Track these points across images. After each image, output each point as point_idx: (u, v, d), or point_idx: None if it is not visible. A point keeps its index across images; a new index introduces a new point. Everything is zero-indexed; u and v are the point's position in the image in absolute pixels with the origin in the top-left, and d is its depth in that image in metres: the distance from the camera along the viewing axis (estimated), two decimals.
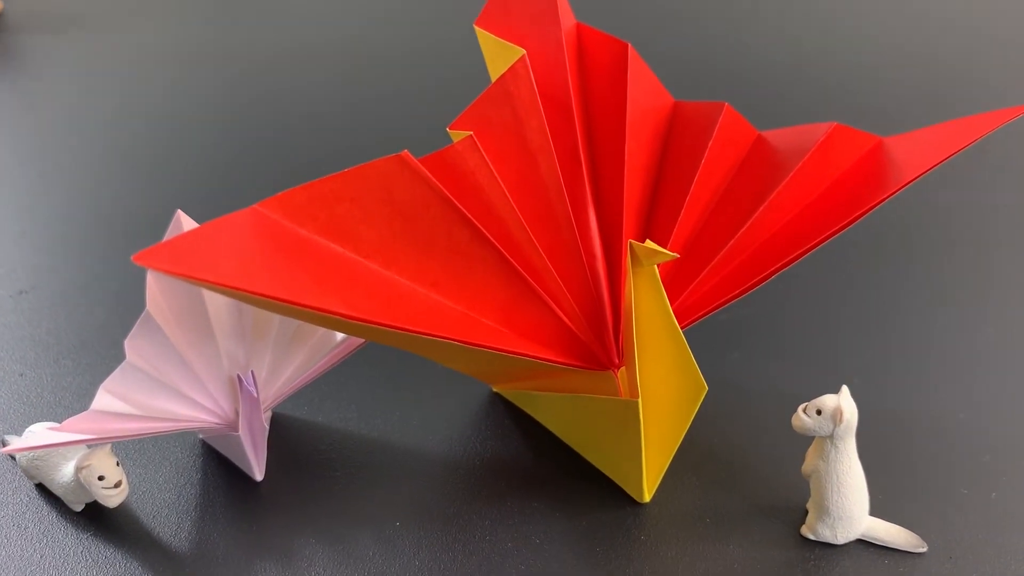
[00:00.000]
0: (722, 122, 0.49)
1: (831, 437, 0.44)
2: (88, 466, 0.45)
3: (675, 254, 0.41)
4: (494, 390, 0.56)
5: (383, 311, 0.40)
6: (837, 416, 0.43)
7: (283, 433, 0.53)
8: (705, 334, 0.45)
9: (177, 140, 0.82)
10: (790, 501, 0.48)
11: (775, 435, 0.52)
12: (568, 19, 0.52)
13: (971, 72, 0.93)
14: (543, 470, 0.51)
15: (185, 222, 0.47)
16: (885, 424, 0.52)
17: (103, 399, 0.46)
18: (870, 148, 0.50)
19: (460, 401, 0.55)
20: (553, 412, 0.52)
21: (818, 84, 0.90)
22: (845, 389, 0.44)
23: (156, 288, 0.48)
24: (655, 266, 0.43)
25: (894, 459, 0.50)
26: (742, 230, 0.48)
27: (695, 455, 0.51)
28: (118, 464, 0.46)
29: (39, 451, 0.48)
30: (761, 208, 0.48)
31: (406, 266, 0.44)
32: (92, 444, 0.46)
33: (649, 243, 0.41)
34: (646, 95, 0.51)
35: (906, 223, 0.71)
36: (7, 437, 0.52)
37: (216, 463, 0.51)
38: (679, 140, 0.51)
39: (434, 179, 0.42)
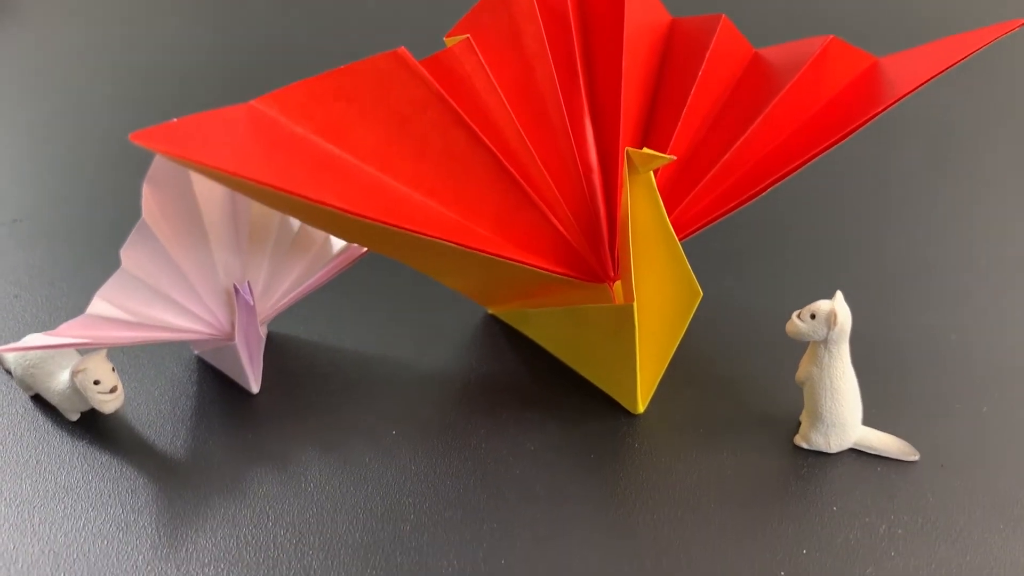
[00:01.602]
0: (719, 35, 0.49)
1: (825, 342, 0.44)
2: (84, 370, 0.45)
3: (672, 156, 0.41)
4: (489, 312, 0.56)
5: (380, 210, 0.40)
6: (831, 319, 0.43)
7: (279, 351, 0.53)
8: (699, 262, 0.45)
9: (172, 75, 0.81)
10: (784, 413, 0.49)
11: (768, 351, 0.52)
12: None
13: None
14: (537, 385, 0.51)
15: None
16: (878, 342, 0.52)
17: (98, 305, 0.46)
18: (866, 68, 0.50)
19: (456, 323, 0.55)
20: (548, 327, 0.52)
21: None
22: (839, 294, 0.44)
23: (152, 199, 0.48)
24: (651, 174, 0.43)
25: (887, 376, 0.51)
26: (738, 143, 0.48)
27: (689, 370, 0.51)
28: (114, 370, 0.46)
29: (35, 359, 0.48)
30: (757, 121, 0.48)
31: (402, 170, 0.44)
32: (87, 349, 0.46)
33: (646, 149, 0.41)
34: (644, 11, 0.50)
35: (902, 141, 0.71)
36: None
37: (212, 378, 0.51)
38: (676, 56, 0.51)
39: (431, 78, 0.42)
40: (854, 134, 0.46)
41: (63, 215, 0.64)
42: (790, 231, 0.62)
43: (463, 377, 0.51)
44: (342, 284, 0.56)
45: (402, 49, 0.42)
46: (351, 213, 0.39)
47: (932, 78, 0.46)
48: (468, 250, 0.42)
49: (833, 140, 0.46)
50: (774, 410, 0.49)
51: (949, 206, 0.65)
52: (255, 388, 0.50)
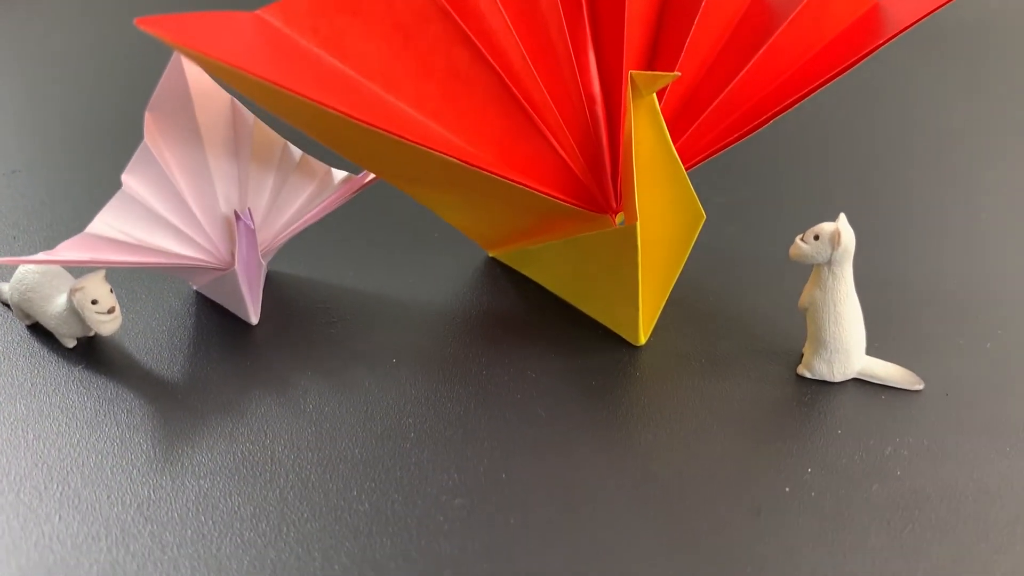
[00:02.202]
0: None
1: (828, 264, 0.44)
2: (82, 288, 0.45)
3: (676, 72, 0.41)
4: (491, 255, 0.56)
5: (384, 122, 0.40)
6: (835, 238, 0.43)
7: (279, 289, 0.53)
8: None
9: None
10: (786, 346, 0.48)
11: (770, 290, 0.52)
12: None
13: None
14: (539, 320, 0.51)
15: (186, 64, 0.47)
16: (881, 284, 0.52)
17: (97, 225, 0.46)
18: (867, 9, 0.51)
19: (457, 264, 0.55)
20: (549, 263, 0.52)
21: None
22: (843, 216, 0.44)
23: (154, 126, 0.48)
24: (655, 98, 0.43)
25: (890, 316, 0.50)
26: (741, 74, 0.48)
27: (691, 307, 0.51)
28: (111, 291, 0.46)
29: (32, 283, 0.47)
30: (760, 53, 0.48)
31: (406, 90, 0.44)
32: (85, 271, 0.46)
33: (649, 72, 0.41)
34: None
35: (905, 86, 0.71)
36: None
37: (211, 311, 0.51)
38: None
39: None
40: (854, 67, 0.47)
41: (60, 167, 0.64)
42: (791, 183, 0.63)
43: (464, 313, 0.51)
44: (343, 225, 0.56)
45: None
46: (357, 119, 0.39)
47: (931, 12, 0.46)
48: (472, 169, 0.42)
49: (835, 73, 0.47)
50: (776, 345, 0.49)
51: (952, 157, 0.66)
52: (254, 319, 0.50)
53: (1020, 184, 0.63)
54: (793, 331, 0.49)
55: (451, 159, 0.41)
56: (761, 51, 0.48)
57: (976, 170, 0.65)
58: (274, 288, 0.52)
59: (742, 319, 0.50)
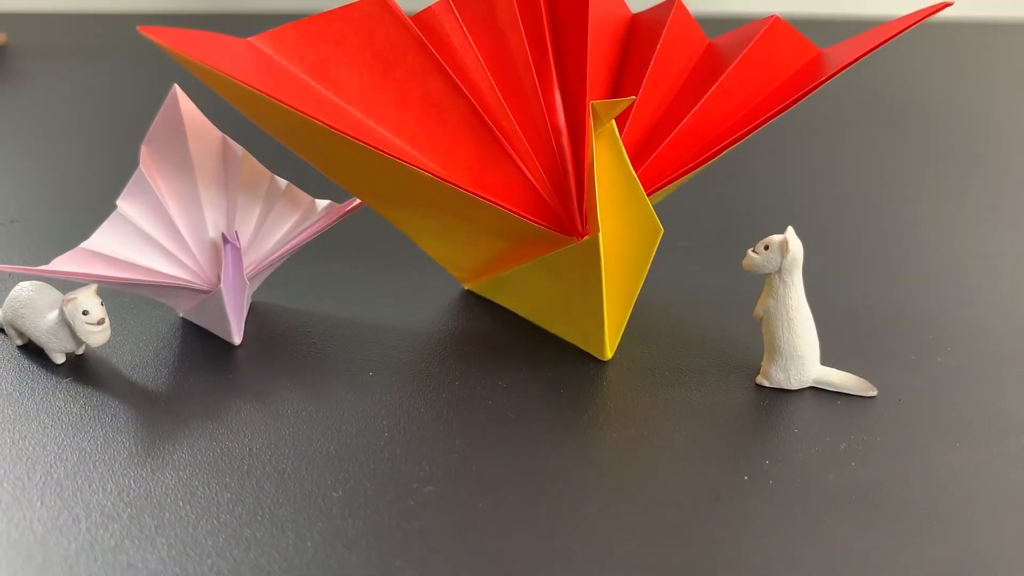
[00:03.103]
0: (673, 15, 0.54)
1: (779, 273, 0.47)
2: (74, 299, 0.47)
3: (631, 97, 0.45)
4: (466, 288, 0.58)
5: (364, 137, 0.44)
6: (784, 247, 0.46)
7: (261, 316, 0.55)
8: (664, 254, 0.50)
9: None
10: (746, 361, 0.51)
11: (731, 312, 0.55)
12: None
13: None
14: (510, 340, 0.53)
15: (182, 100, 0.51)
16: (835, 306, 0.55)
17: (92, 242, 0.49)
18: (810, 59, 0.55)
19: (433, 294, 0.57)
20: (520, 287, 0.54)
21: None
22: (790, 228, 0.47)
23: (149, 158, 0.51)
24: (614, 124, 0.47)
25: (847, 333, 0.53)
26: (695, 110, 0.52)
27: (654, 328, 0.54)
28: (102, 304, 0.48)
29: (25, 300, 0.49)
30: (712, 90, 0.52)
31: (384, 116, 0.48)
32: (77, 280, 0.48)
33: (607, 100, 0.45)
34: (607, 3, 0.56)
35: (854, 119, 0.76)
36: None
37: (195, 334, 0.53)
38: (637, 40, 0.56)
39: (413, 24, 0.47)
40: (798, 104, 0.51)
41: (55, 218, 0.68)
42: (750, 228, 0.66)
43: (439, 334, 0.54)
44: (324, 258, 0.59)
45: None
46: (338, 129, 0.42)
47: (864, 55, 0.51)
48: (447, 186, 0.45)
49: (779, 108, 0.51)
50: (736, 360, 0.51)
51: (899, 194, 0.70)
52: (237, 339, 0.52)
53: (962, 216, 0.67)
54: (752, 348, 0.51)
55: (427, 174, 0.45)
56: (712, 89, 0.53)
57: (921, 203, 0.69)
58: (256, 315, 0.55)
59: (704, 338, 0.53)
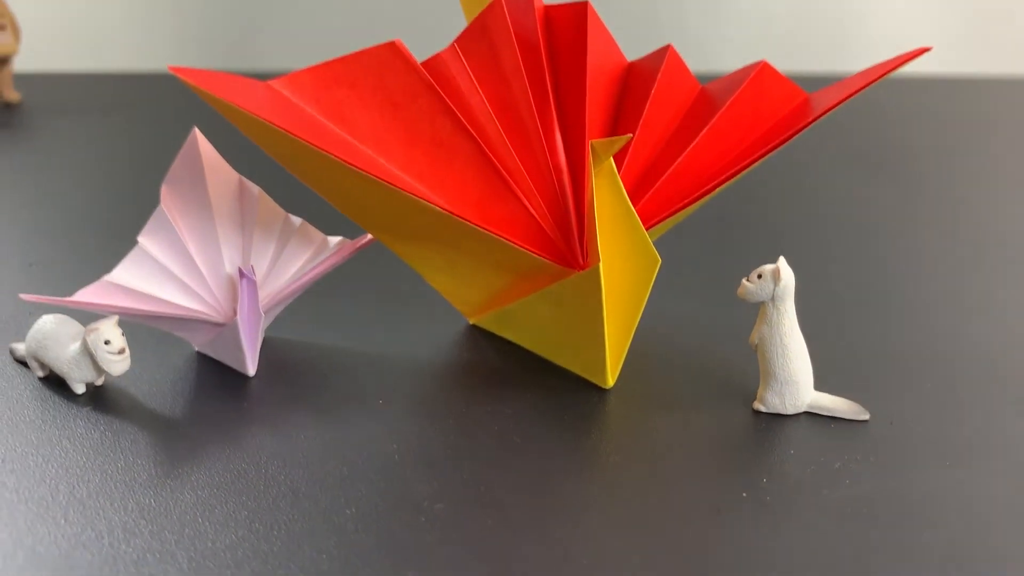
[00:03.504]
0: (667, 62, 0.57)
1: (772, 300, 0.49)
2: (96, 329, 0.49)
3: (628, 135, 0.48)
4: (471, 322, 0.60)
5: (377, 173, 0.46)
6: (776, 275, 0.48)
7: (275, 349, 0.57)
8: (662, 287, 0.53)
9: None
10: (741, 387, 0.53)
11: (726, 343, 0.57)
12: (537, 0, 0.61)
13: None
14: (515, 371, 0.55)
15: (201, 142, 0.54)
16: (830, 341, 0.57)
17: (114, 275, 0.51)
18: (798, 103, 0.58)
19: (440, 329, 0.59)
20: (524, 319, 0.56)
21: None
22: (782, 257, 0.50)
23: (169, 197, 0.54)
24: (612, 161, 0.49)
25: (839, 364, 0.55)
26: (688, 150, 0.55)
27: (654, 359, 0.56)
28: (123, 334, 0.50)
29: (48, 331, 0.51)
30: (704, 132, 0.55)
31: (395, 154, 0.50)
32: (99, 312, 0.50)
33: (606, 139, 0.48)
34: (604, 50, 0.59)
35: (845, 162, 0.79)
36: (13, 344, 0.55)
37: (211, 366, 0.55)
38: (633, 86, 0.59)
39: (423, 69, 0.50)
40: (789, 146, 0.54)
41: (72, 261, 0.70)
42: (745, 267, 0.69)
43: (446, 365, 0.55)
44: (334, 292, 0.61)
45: (398, 40, 0.49)
46: (351, 164, 0.45)
47: (849, 97, 0.54)
48: (454, 219, 0.48)
49: (767, 150, 0.54)
50: (732, 387, 0.53)
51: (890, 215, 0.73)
52: (251, 370, 0.54)
53: (946, 254, 0.70)
54: (748, 376, 0.53)
55: (435, 207, 0.47)
56: (705, 131, 0.55)
57: (907, 242, 0.72)
58: (269, 349, 0.57)
59: (702, 367, 0.55)
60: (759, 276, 0.49)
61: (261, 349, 0.55)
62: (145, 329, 0.56)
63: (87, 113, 1.16)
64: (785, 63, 0.59)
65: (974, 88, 1.38)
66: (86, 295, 0.50)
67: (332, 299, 0.62)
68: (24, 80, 1.26)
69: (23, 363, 0.54)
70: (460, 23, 0.57)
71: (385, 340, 0.58)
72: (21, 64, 1.24)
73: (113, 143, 1.05)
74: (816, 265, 0.70)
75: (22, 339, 0.56)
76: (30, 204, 0.84)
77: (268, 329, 0.58)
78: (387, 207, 0.49)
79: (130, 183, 0.90)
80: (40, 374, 0.53)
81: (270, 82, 0.48)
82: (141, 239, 0.53)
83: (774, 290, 0.49)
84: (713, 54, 1.16)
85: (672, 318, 0.61)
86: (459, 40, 0.54)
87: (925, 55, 0.56)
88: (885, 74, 0.54)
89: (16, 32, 1.15)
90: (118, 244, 0.55)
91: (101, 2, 1.42)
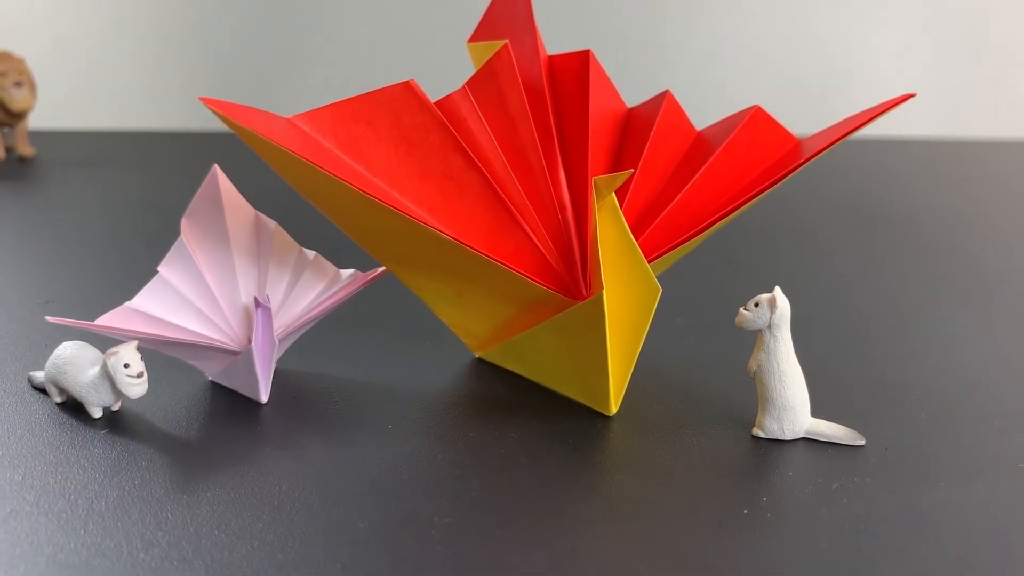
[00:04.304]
0: (665, 106, 0.60)
1: (769, 327, 0.51)
2: (116, 353, 0.51)
3: (630, 170, 0.51)
4: (477, 356, 0.62)
5: (389, 202, 0.49)
6: (772, 303, 0.50)
7: (286, 379, 0.58)
8: (660, 328, 0.55)
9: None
10: (741, 415, 0.54)
11: (725, 375, 0.58)
12: (542, 50, 0.64)
13: None
14: (520, 399, 0.56)
15: (221, 179, 0.56)
16: (828, 374, 0.59)
17: (135, 302, 0.53)
18: (790, 147, 0.61)
19: (447, 361, 0.61)
20: (529, 350, 0.58)
21: None
22: (777, 287, 0.52)
23: (189, 230, 0.56)
24: (614, 196, 0.52)
25: (836, 395, 0.56)
26: (686, 188, 0.58)
27: (656, 390, 0.57)
28: (141, 359, 0.51)
29: (68, 357, 0.53)
30: (701, 172, 0.58)
31: (408, 188, 0.53)
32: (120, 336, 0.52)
33: (608, 176, 0.50)
34: (605, 96, 0.62)
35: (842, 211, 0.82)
36: (32, 373, 0.57)
37: (224, 394, 0.56)
38: (633, 130, 0.61)
39: (436, 108, 0.52)
40: (778, 185, 0.56)
41: (87, 298, 0.72)
42: (735, 299, 0.71)
43: (453, 393, 0.57)
44: (345, 325, 0.63)
45: (412, 81, 0.52)
46: (367, 192, 0.47)
47: (838, 141, 0.57)
48: (464, 248, 0.50)
49: (761, 188, 0.56)
50: (732, 415, 0.54)
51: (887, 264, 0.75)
52: (264, 397, 0.55)
53: (936, 298, 0.72)
54: (747, 405, 0.55)
55: (446, 236, 0.49)
56: (701, 171, 0.58)
57: (900, 287, 0.74)
58: (281, 379, 0.58)
59: (702, 396, 0.57)
60: (756, 304, 0.51)
61: (273, 379, 0.57)
62: (160, 359, 0.58)
63: (98, 167, 1.20)
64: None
65: (961, 149, 1.42)
66: (108, 320, 0.52)
67: (342, 332, 0.64)
68: (38, 136, 1.30)
69: (41, 390, 0.56)
70: (467, 68, 0.60)
71: (394, 371, 0.60)
72: (35, 121, 1.28)
73: (122, 195, 1.08)
74: (815, 306, 0.72)
75: (40, 368, 0.57)
76: (44, 250, 0.86)
77: (280, 361, 0.60)
78: (400, 236, 0.51)
79: (138, 232, 0.92)
80: (58, 400, 0.54)
81: (291, 118, 0.50)
82: (161, 269, 0.55)
83: (770, 318, 0.51)
84: (709, 101, 1.20)
85: (672, 353, 0.63)
86: (469, 83, 0.57)
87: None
88: (871, 119, 0.57)
89: (33, 89, 1.18)
90: (127, 285, 0.57)
91: (112, 63, 1.47)
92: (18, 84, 1.15)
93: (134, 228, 0.94)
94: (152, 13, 1.46)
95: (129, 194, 1.09)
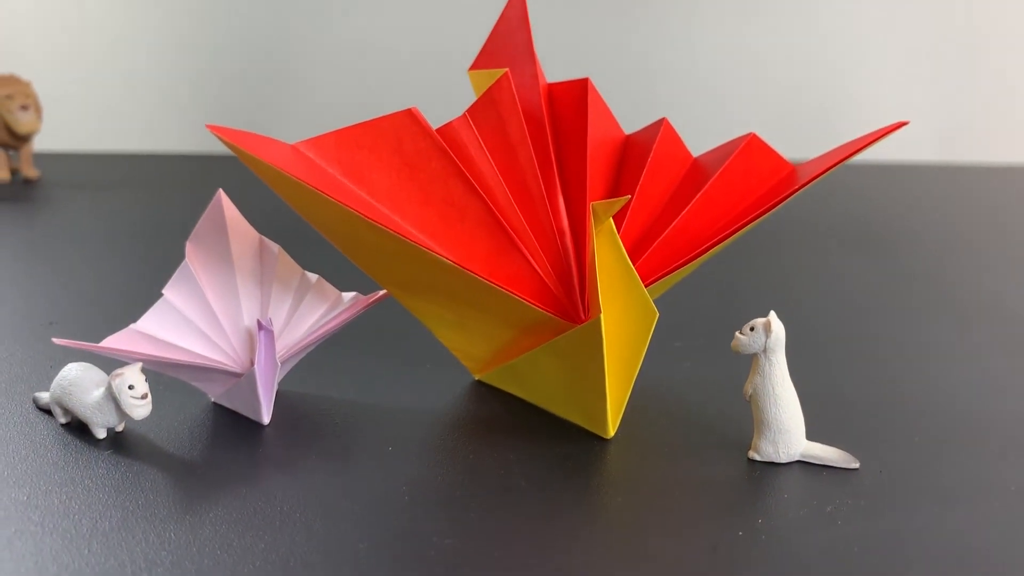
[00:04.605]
0: (662, 134, 0.61)
1: (764, 351, 0.52)
2: (121, 375, 0.51)
3: (626, 197, 0.52)
4: (477, 378, 0.63)
5: (391, 227, 0.50)
6: (767, 328, 0.51)
7: (288, 401, 0.59)
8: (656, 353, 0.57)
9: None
10: (737, 439, 0.55)
11: (720, 399, 0.59)
12: (541, 78, 0.66)
13: None
14: (519, 422, 0.57)
15: (226, 203, 0.57)
16: (824, 393, 0.59)
17: (141, 324, 0.54)
18: (785, 174, 0.62)
19: (447, 384, 0.62)
20: (528, 373, 0.59)
21: None
22: (772, 312, 0.53)
23: (193, 253, 0.57)
24: (612, 222, 0.53)
25: (830, 419, 0.57)
26: (682, 214, 0.59)
27: (652, 413, 0.58)
28: (145, 380, 0.52)
29: (73, 379, 0.53)
30: (697, 198, 0.59)
31: (409, 212, 0.54)
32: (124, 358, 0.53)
33: (605, 201, 0.51)
34: (603, 123, 0.63)
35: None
36: (36, 394, 0.58)
37: (227, 416, 0.57)
38: (630, 157, 0.63)
39: (437, 135, 0.53)
40: (773, 211, 0.57)
41: (90, 319, 0.73)
42: (731, 325, 0.72)
43: (452, 416, 0.58)
44: (346, 348, 0.64)
45: (414, 108, 0.53)
46: (368, 217, 0.48)
47: (827, 170, 0.58)
48: (464, 272, 0.51)
49: (757, 214, 0.57)
50: (728, 439, 0.55)
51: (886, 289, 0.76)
52: (266, 418, 0.56)
53: (930, 322, 0.73)
54: (743, 429, 0.55)
55: (447, 261, 0.50)
56: (698, 197, 0.59)
57: (893, 313, 0.75)
58: (283, 401, 0.59)
59: (699, 420, 0.57)
60: (751, 328, 0.52)
61: (275, 401, 0.58)
62: (163, 381, 0.59)
63: (102, 189, 1.21)
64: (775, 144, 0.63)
65: (959, 173, 1.44)
66: (113, 341, 0.53)
67: (344, 354, 0.64)
68: (42, 158, 1.31)
69: (46, 411, 0.56)
70: (468, 96, 0.61)
71: (395, 393, 0.60)
72: (40, 143, 1.29)
73: (125, 217, 1.09)
74: (809, 333, 0.73)
75: (44, 389, 0.58)
76: (48, 272, 0.87)
77: (282, 383, 0.60)
78: (401, 260, 0.52)
79: (141, 254, 0.93)
80: (63, 421, 0.55)
81: (296, 144, 0.51)
82: (166, 292, 0.56)
83: (766, 342, 0.51)
84: (704, 128, 1.22)
85: (669, 377, 0.63)
86: (470, 111, 0.58)
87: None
88: (864, 147, 0.58)
89: (39, 112, 1.20)
90: (130, 308, 0.58)
91: (117, 87, 1.48)
92: (24, 107, 1.17)
93: (137, 250, 0.95)
94: (157, 39, 1.48)
95: (133, 216, 1.10)
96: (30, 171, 1.22)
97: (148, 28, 1.47)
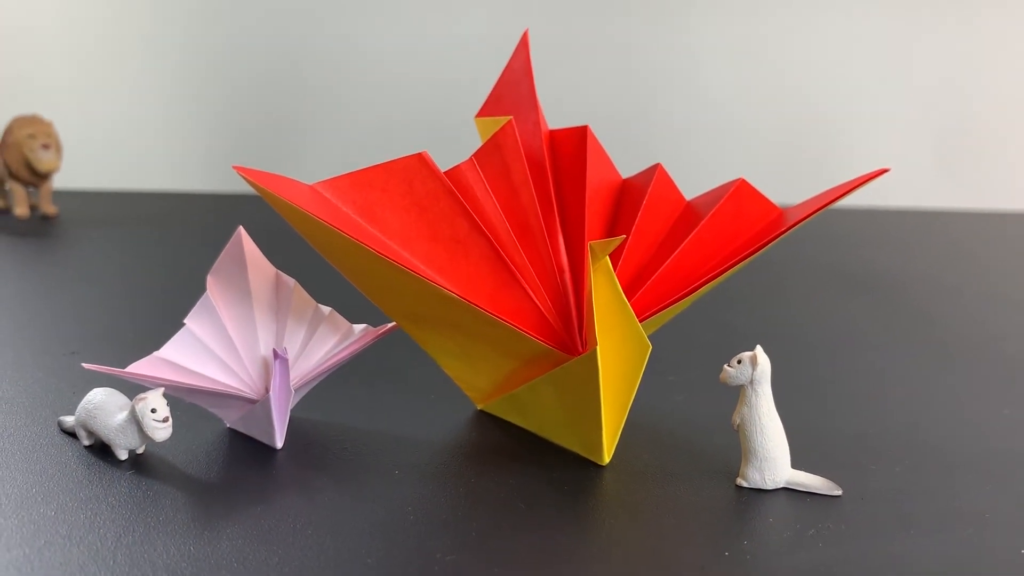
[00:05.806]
0: (656, 178, 0.65)
1: (751, 383, 0.55)
2: (144, 399, 0.54)
3: (622, 236, 0.55)
4: (479, 408, 0.66)
5: (401, 262, 0.53)
6: (754, 360, 0.54)
7: (300, 427, 0.62)
8: (648, 384, 0.60)
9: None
10: (725, 467, 0.58)
11: (711, 430, 0.62)
12: (543, 125, 0.69)
13: None
14: (519, 449, 0.60)
15: (245, 239, 0.61)
16: (808, 427, 0.62)
17: (164, 352, 0.57)
18: (772, 217, 0.66)
19: (450, 414, 0.65)
20: (528, 402, 0.62)
21: None
22: (759, 346, 0.56)
23: (214, 286, 0.60)
24: (608, 260, 0.56)
25: (814, 450, 0.60)
26: (675, 254, 0.62)
27: (645, 443, 0.61)
28: (167, 405, 0.55)
29: (98, 403, 0.57)
30: (689, 239, 0.62)
31: (418, 249, 0.57)
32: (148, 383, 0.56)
33: (602, 240, 0.54)
34: (602, 167, 0.67)
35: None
36: (61, 417, 0.61)
37: (242, 441, 0.60)
38: (627, 199, 0.66)
39: (445, 177, 0.57)
40: (760, 252, 0.61)
41: (110, 349, 0.76)
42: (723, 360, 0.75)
43: (455, 443, 0.61)
44: (355, 379, 0.67)
45: (424, 152, 0.57)
46: (379, 252, 0.52)
47: (812, 214, 0.61)
48: (468, 305, 0.54)
49: (746, 254, 0.61)
50: (717, 467, 0.58)
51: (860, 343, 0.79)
52: (279, 443, 0.59)
53: (911, 361, 0.76)
54: (731, 458, 0.58)
55: (452, 294, 0.54)
56: (689, 238, 0.63)
57: (877, 352, 0.78)
58: (296, 427, 0.62)
59: (690, 449, 0.60)
60: (739, 361, 0.55)
61: (288, 426, 0.61)
62: (181, 406, 0.62)
63: (118, 226, 1.25)
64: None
65: (939, 219, 1.47)
66: (138, 367, 0.56)
67: (354, 383, 0.68)
68: (61, 195, 1.35)
69: (71, 433, 0.59)
70: (474, 141, 0.65)
71: (402, 420, 0.63)
72: (58, 181, 1.33)
73: (141, 253, 1.13)
74: (798, 370, 0.76)
75: (69, 413, 0.61)
76: (67, 304, 0.90)
77: (294, 410, 0.63)
78: (410, 294, 0.56)
79: (155, 288, 0.97)
80: (86, 443, 0.58)
81: (313, 185, 0.55)
82: (187, 321, 0.59)
83: (752, 374, 0.55)
84: (696, 174, 1.26)
85: (662, 409, 0.66)
86: (476, 155, 0.62)
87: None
88: (848, 192, 0.62)
89: (59, 151, 1.24)
90: (144, 338, 0.61)
91: (135, 127, 1.53)
92: (45, 146, 1.21)
93: (152, 285, 0.99)
94: (175, 81, 1.53)
95: (147, 251, 1.14)
96: (49, 208, 1.26)
97: (167, 72, 1.53)
